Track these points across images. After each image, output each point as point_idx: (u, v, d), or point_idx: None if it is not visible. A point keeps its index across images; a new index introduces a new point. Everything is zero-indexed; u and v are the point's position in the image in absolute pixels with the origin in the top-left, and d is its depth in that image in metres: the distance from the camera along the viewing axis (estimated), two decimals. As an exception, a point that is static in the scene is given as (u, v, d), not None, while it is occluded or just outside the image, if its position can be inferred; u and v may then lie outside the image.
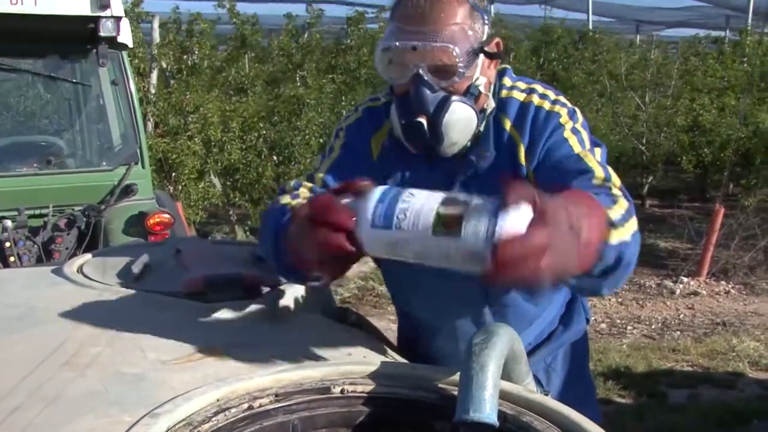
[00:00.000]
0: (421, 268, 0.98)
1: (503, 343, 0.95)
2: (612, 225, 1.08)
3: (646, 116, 11.37)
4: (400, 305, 1.75)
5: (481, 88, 1.40)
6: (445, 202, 0.94)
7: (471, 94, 1.39)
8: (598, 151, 1.40)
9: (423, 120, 1.36)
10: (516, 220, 0.88)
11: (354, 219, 0.99)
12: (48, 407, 0.96)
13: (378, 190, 1.01)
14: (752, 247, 7.37)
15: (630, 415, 4.09)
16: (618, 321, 6.04)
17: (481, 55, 1.38)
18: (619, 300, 6.54)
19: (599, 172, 1.30)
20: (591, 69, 12.74)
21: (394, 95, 1.43)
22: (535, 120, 1.42)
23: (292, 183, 1.47)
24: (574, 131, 1.40)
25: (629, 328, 5.86)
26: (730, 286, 6.90)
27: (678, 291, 6.71)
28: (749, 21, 14.94)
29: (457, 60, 1.32)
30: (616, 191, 1.24)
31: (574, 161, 1.35)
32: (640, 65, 12.88)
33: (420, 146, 1.42)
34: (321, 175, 1.47)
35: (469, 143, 1.44)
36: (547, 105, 1.43)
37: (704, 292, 6.74)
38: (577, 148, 1.38)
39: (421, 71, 1.33)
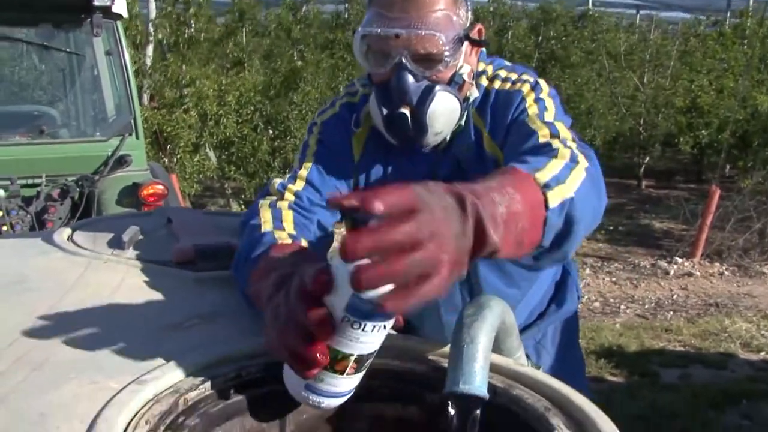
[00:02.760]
0: None
1: (494, 316, 0.94)
2: (546, 187, 0.96)
3: (644, 97, 11.36)
4: None
5: (465, 77, 1.37)
6: None
7: (455, 83, 1.35)
8: (560, 122, 1.31)
9: (406, 111, 1.32)
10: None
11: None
12: (33, 372, 0.95)
13: None
14: (747, 229, 7.39)
15: (622, 394, 4.11)
16: (611, 300, 6.06)
17: (466, 43, 1.34)
18: (613, 279, 6.56)
19: (543, 129, 1.24)
20: (590, 48, 12.70)
21: (373, 84, 1.38)
22: (495, 103, 1.39)
23: (277, 184, 1.39)
24: (537, 100, 1.35)
25: (622, 307, 5.88)
26: (724, 267, 6.92)
27: (672, 271, 6.73)
28: (750, 3, 14.87)
29: (443, 48, 1.28)
30: (557, 145, 1.15)
31: (523, 127, 1.30)
32: (639, 46, 12.83)
33: (402, 138, 1.38)
34: (304, 173, 1.41)
35: (449, 135, 1.41)
36: (507, 85, 1.40)
37: (698, 273, 6.77)
38: (531, 112, 1.32)
39: (404, 59, 1.28)
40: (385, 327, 0.82)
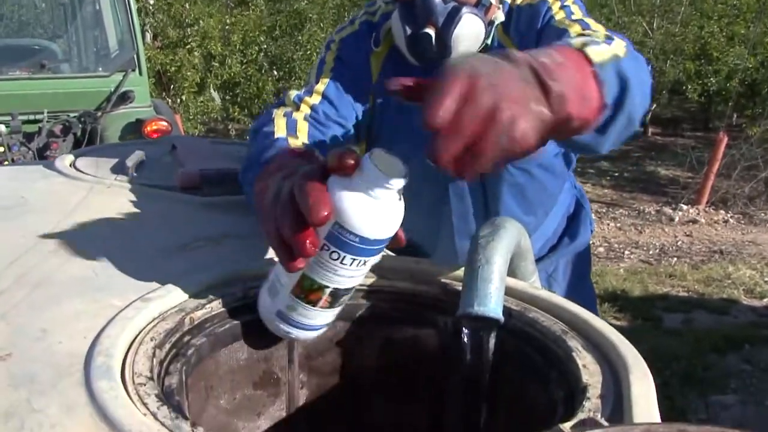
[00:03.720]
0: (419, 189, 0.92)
1: (510, 237, 0.91)
2: (583, 46, 0.87)
3: (653, 43, 11.16)
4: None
5: (493, 0, 1.33)
6: None
7: (482, 5, 1.31)
8: (590, 18, 1.26)
9: (431, 31, 1.28)
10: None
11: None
12: (34, 291, 0.92)
13: None
14: (753, 177, 7.34)
15: (625, 337, 4.11)
16: (616, 246, 6.05)
17: None
18: (618, 225, 6.54)
19: (575, 27, 1.19)
20: (599, -8, 12.46)
21: (397, 2, 1.34)
22: (520, 19, 1.35)
23: (293, 96, 1.35)
24: (563, 7, 1.30)
25: (627, 252, 5.86)
26: (729, 215, 6.89)
27: (677, 218, 6.70)
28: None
29: None
30: (592, 32, 1.11)
31: (553, 30, 1.25)
32: (649, -11, 12.59)
33: (424, 58, 1.34)
34: (321, 87, 1.37)
35: None
36: (533, 0, 1.34)
37: (703, 220, 6.74)
38: (559, 18, 1.27)
39: None
40: (365, 263, 0.79)
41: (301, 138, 1.22)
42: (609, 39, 1.00)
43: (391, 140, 1.40)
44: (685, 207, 6.94)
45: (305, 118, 1.29)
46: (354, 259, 0.78)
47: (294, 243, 0.76)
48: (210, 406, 0.90)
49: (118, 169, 1.52)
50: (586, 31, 1.15)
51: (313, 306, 0.83)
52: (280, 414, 1.00)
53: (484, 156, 0.71)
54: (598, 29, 1.17)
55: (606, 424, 0.65)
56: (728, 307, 4.72)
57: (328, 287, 0.81)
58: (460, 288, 0.88)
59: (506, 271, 0.88)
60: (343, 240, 0.76)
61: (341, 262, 0.78)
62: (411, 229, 1.52)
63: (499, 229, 0.91)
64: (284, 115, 1.27)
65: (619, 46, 0.97)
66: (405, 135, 1.30)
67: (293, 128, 1.24)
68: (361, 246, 0.76)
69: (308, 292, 0.81)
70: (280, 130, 1.21)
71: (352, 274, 0.80)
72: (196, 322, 0.87)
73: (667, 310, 4.63)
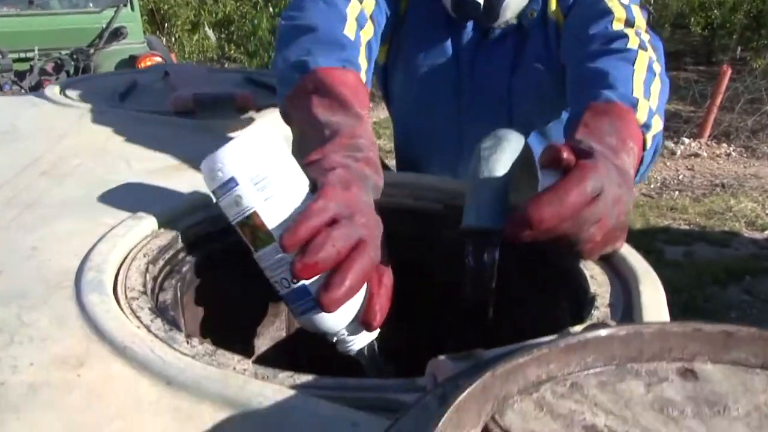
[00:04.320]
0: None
1: (513, 149, 0.87)
2: (645, 128, 0.93)
3: (657, -26, 10.95)
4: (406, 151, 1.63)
5: None
6: None
7: None
8: (635, 5, 1.21)
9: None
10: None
11: None
12: (24, 212, 0.90)
13: None
14: (756, 110, 7.25)
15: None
16: (617, 180, 6.00)
17: None
18: (619, 160, 6.48)
19: (620, 11, 1.14)
20: None
21: None
22: None
23: None
24: None
25: (628, 187, 5.83)
26: (731, 148, 6.83)
27: (679, 152, 6.64)
28: None
29: None
30: (632, 38, 1.08)
31: (594, 3, 1.20)
32: None
33: (465, 18, 1.31)
34: None
35: None
36: None
37: (705, 153, 6.68)
38: None
39: None
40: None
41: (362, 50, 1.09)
42: (650, 69, 1.01)
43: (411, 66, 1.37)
44: (687, 140, 6.87)
45: (371, 16, 1.17)
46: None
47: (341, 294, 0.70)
48: (207, 325, 0.88)
49: (109, 96, 1.48)
50: (628, 31, 1.10)
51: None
52: (279, 335, 0.98)
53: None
54: (640, 26, 1.12)
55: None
56: (729, 240, 4.70)
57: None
58: (462, 203, 0.85)
59: (510, 183, 0.85)
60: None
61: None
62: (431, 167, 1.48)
63: (502, 141, 0.87)
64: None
65: (657, 85, 1.00)
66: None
67: (362, 27, 1.12)
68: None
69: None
70: (350, 26, 1.08)
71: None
72: (190, 240, 0.85)
73: (669, 242, 4.61)
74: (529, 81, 1.32)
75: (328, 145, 0.82)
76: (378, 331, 0.77)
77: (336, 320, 0.74)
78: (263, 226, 0.71)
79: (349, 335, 0.76)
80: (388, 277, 0.77)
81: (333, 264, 0.68)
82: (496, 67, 1.33)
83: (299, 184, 0.74)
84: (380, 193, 0.83)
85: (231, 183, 0.72)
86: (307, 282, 0.71)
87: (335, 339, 0.77)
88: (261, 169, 0.72)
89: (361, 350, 0.78)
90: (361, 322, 0.74)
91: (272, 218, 0.71)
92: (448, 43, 1.34)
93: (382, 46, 1.33)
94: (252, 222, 0.72)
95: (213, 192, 0.75)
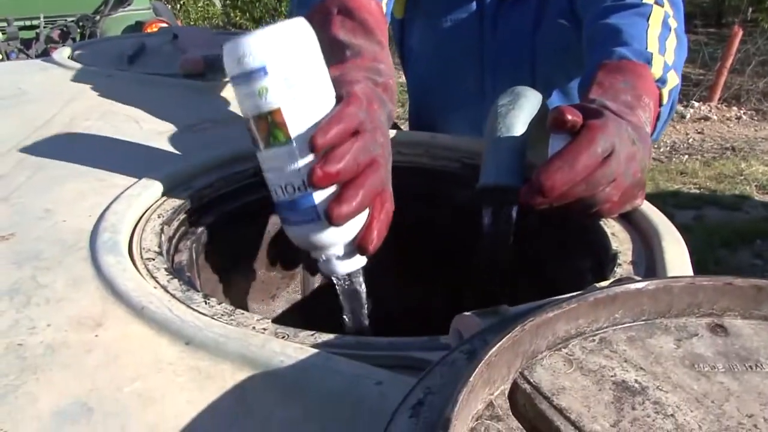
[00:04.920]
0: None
1: (531, 105, 0.86)
2: (661, 82, 0.90)
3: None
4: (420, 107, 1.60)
5: None
6: None
7: None
8: None
9: None
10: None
11: None
12: (36, 174, 0.89)
13: None
14: (767, 73, 7.17)
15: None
16: (626, 144, 5.96)
17: None
18: (629, 124, 6.43)
19: None
20: None
21: None
22: None
23: None
24: None
25: (637, 151, 5.79)
26: (741, 111, 6.76)
27: (688, 115, 6.58)
28: None
29: None
30: None
31: None
32: None
33: None
34: None
35: None
36: None
37: (715, 117, 6.62)
38: None
39: None
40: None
41: None
42: (665, 25, 0.98)
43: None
44: (696, 104, 6.80)
45: None
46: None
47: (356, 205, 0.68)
48: (222, 287, 0.88)
49: (118, 59, 1.46)
50: None
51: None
52: (295, 297, 0.98)
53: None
54: None
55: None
56: (740, 203, 4.67)
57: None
58: (479, 163, 0.84)
59: (528, 140, 0.84)
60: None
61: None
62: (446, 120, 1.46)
63: (519, 98, 0.86)
64: None
65: (672, 40, 0.97)
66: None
67: None
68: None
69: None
70: None
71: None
72: (205, 200, 0.84)
73: (678, 206, 4.58)
74: (552, 38, 1.29)
75: (349, 63, 0.80)
76: (366, 260, 0.75)
77: (333, 236, 0.70)
78: (284, 126, 0.66)
79: (339, 256, 0.72)
80: (390, 203, 0.74)
81: (350, 176, 0.67)
82: (518, 23, 1.30)
83: (327, 90, 0.70)
84: (392, 123, 0.82)
85: (259, 72, 0.65)
86: (314, 192, 0.68)
87: (324, 257, 0.73)
88: (295, 64, 0.66)
89: (346, 275, 0.75)
90: (357, 243, 0.71)
91: (296, 119, 0.66)
92: None
93: None
94: (272, 119, 0.66)
95: (233, 77, 0.68)
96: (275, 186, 0.70)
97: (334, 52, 0.82)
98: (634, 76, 0.88)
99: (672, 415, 0.39)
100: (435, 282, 0.98)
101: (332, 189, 0.68)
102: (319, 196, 0.68)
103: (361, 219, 0.71)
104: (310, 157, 0.67)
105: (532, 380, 0.41)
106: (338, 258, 0.72)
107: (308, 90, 0.67)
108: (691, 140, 6.07)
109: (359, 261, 0.74)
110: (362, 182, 0.68)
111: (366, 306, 0.78)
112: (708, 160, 5.52)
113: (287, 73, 0.66)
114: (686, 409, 0.39)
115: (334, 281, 0.76)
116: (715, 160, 5.53)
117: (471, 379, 0.37)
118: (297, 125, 0.66)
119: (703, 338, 0.46)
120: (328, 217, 0.66)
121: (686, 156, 5.64)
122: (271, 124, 0.66)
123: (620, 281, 0.50)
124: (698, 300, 0.48)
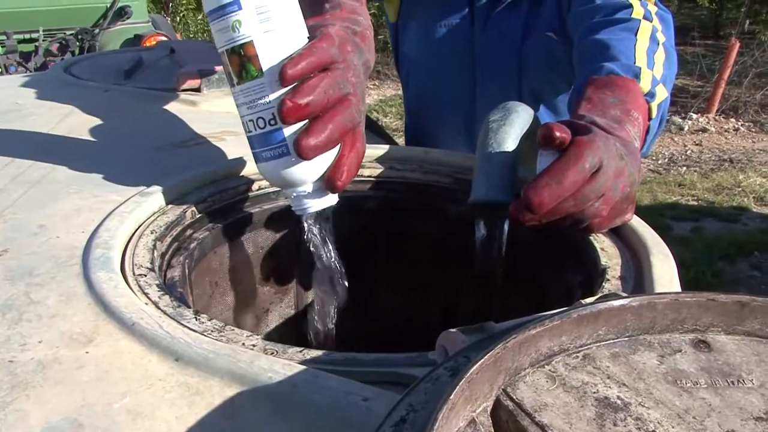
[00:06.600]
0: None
1: (522, 121, 0.86)
2: (650, 96, 0.91)
3: (664, -53, 10.81)
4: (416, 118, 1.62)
5: None
6: None
7: None
8: None
9: None
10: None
11: None
12: (31, 189, 0.89)
13: None
14: (765, 84, 7.20)
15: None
16: (624, 156, 5.97)
17: None
18: (627, 135, 6.45)
19: None
20: None
21: None
22: None
23: None
24: None
25: (635, 163, 5.79)
26: (739, 123, 6.78)
27: (686, 127, 6.60)
28: None
29: None
30: (638, 11, 1.06)
31: None
32: None
33: None
34: None
35: None
36: None
37: (713, 128, 6.64)
38: None
39: None
40: None
41: None
42: (653, 39, 0.99)
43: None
44: (694, 116, 6.82)
45: None
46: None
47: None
48: (215, 303, 0.88)
49: (115, 74, 1.47)
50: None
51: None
52: (288, 312, 0.98)
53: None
54: None
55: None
56: (738, 215, 4.68)
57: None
58: (471, 178, 0.84)
59: (519, 155, 0.84)
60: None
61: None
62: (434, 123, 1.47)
63: (510, 113, 0.86)
64: None
65: (660, 55, 0.98)
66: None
67: None
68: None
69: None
70: None
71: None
72: (198, 216, 0.84)
73: (677, 218, 4.59)
74: (539, 49, 1.31)
75: (328, 15, 0.82)
76: (337, 198, 0.77)
77: (303, 172, 0.72)
78: (255, 59, 0.68)
79: (310, 193, 0.74)
80: (361, 143, 0.76)
81: (320, 110, 0.69)
82: (508, 30, 1.32)
83: (299, 28, 0.72)
84: (369, 74, 0.83)
85: (233, 6, 0.68)
86: (284, 126, 0.70)
87: (294, 194, 0.75)
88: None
89: (316, 214, 0.77)
90: (327, 179, 0.73)
91: (267, 53, 0.69)
92: (465, 1, 1.34)
93: (392, 1, 1.34)
94: (244, 52, 0.69)
95: (209, 12, 0.71)
96: (247, 120, 0.72)
97: (314, 7, 0.85)
98: (622, 90, 0.89)
99: (653, 431, 0.39)
100: (428, 295, 0.98)
101: (302, 124, 0.70)
102: (289, 130, 0.70)
103: (330, 156, 0.73)
104: (281, 92, 0.68)
105: (514, 397, 0.42)
106: (308, 196, 0.75)
107: (280, 25, 0.69)
108: (689, 152, 6.08)
109: (329, 199, 0.76)
110: (331, 117, 0.70)
111: (334, 252, 0.80)
112: (706, 172, 5.53)
113: (260, 8, 0.68)
114: (667, 425, 0.40)
115: (305, 226, 0.77)
116: (713, 171, 5.55)
117: (452, 396, 0.37)
118: (268, 59, 0.69)
119: (687, 354, 0.46)
120: (297, 148, 0.68)
121: (684, 168, 5.66)
122: (243, 57, 0.69)
123: (606, 297, 0.51)
124: (682, 316, 0.48)
